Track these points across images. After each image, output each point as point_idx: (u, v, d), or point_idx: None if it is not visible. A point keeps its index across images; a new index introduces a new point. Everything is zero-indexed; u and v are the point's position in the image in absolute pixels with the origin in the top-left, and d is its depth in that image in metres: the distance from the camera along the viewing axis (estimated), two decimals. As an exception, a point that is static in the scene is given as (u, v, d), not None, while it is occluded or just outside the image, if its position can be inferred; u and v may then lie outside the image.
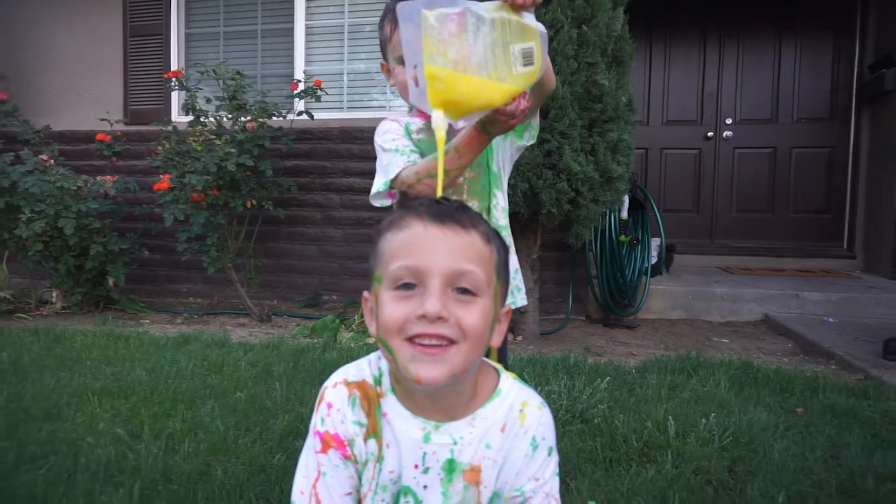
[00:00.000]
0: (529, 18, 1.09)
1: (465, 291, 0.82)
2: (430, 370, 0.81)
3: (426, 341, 0.81)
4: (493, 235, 0.89)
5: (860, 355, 3.11)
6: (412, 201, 0.91)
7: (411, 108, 1.57)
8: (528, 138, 1.50)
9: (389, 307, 0.83)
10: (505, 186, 1.54)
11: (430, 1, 1.03)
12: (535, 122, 1.49)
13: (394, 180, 1.40)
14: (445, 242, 0.83)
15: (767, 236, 5.66)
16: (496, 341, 0.90)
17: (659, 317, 4.33)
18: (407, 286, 0.82)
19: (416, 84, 1.08)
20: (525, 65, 1.08)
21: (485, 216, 1.40)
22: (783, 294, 4.21)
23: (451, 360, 0.81)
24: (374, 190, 1.47)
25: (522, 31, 1.07)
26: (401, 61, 1.47)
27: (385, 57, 1.53)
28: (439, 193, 1.10)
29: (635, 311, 4.24)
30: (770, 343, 3.66)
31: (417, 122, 1.51)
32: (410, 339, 0.82)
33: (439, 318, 0.80)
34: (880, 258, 5.03)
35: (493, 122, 1.19)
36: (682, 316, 4.32)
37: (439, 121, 1.06)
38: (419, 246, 0.83)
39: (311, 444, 0.94)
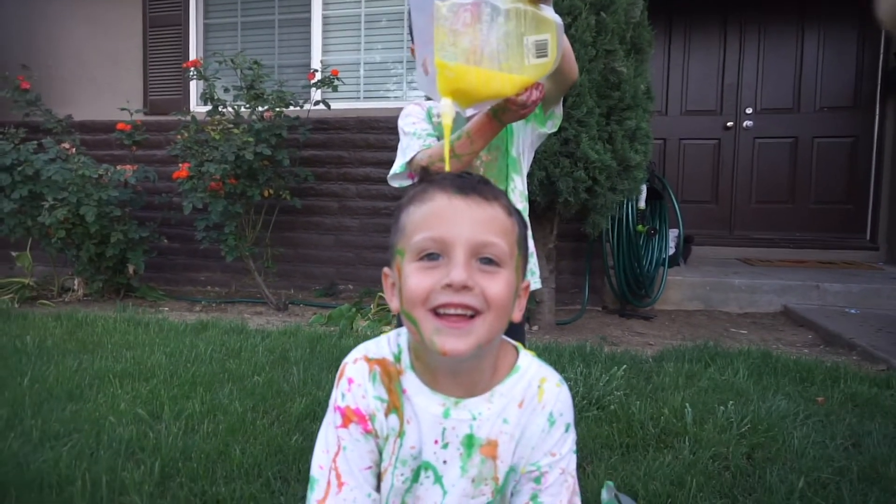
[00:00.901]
0: (547, 10, 1.09)
1: (489, 262, 0.83)
2: (455, 343, 0.81)
3: (451, 311, 0.81)
4: (513, 209, 0.90)
5: (883, 346, 3.06)
6: (434, 176, 0.92)
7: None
8: (551, 126, 1.51)
9: (414, 277, 0.83)
10: (524, 171, 1.55)
11: None
12: (559, 111, 1.50)
13: (409, 162, 1.43)
14: (469, 214, 0.83)
15: (788, 227, 5.57)
16: (517, 316, 0.90)
17: (676, 308, 4.29)
18: (431, 257, 0.83)
19: (426, 72, 1.10)
20: (538, 56, 1.08)
21: None
22: (803, 285, 4.15)
23: (476, 332, 0.82)
24: (392, 171, 1.49)
25: (538, 23, 1.07)
26: None
27: (414, 41, 1.54)
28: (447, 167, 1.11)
29: (652, 302, 4.20)
30: (790, 334, 3.61)
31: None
32: (435, 311, 0.82)
33: (464, 288, 0.80)
34: (904, 250, 4.95)
35: (505, 111, 1.22)
36: (699, 307, 4.29)
37: (447, 108, 1.08)
38: (443, 217, 0.83)
39: (331, 419, 0.94)
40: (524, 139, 1.54)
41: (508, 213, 0.88)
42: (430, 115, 1.54)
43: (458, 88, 1.06)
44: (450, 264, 0.81)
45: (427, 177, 0.95)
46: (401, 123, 1.54)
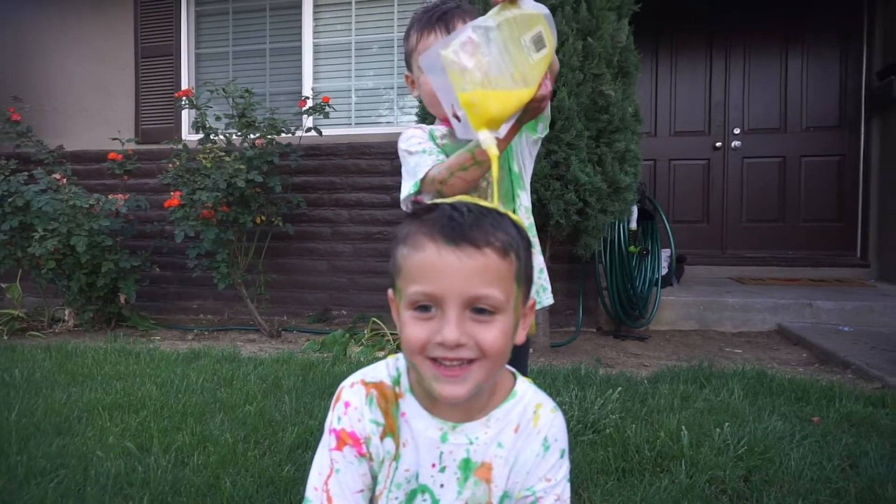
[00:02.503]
0: (528, 4, 1.11)
1: (483, 311, 0.83)
2: (452, 388, 0.83)
3: (447, 363, 0.83)
4: (510, 243, 0.85)
5: (877, 364, 3.06)
6: (425, 214, 0.87)
7: (424, 118, 1.58)
8: (542, 129, 1.49)
9: (410, 328, 0.84)
10: (528, 185, 1.54)
11: (444, 41, 1.07)
12: (547, 111, 1.45)
13: (423, 179, 1.39)
14: (460, 268, 0.81)
15: (779, 246, 5.61)
16: (521, 338, 0.91)
17: (670, 328, 4.29)
18: (425, 308, 0.83)
19: (459, 120, 1.11)
20: (538, 50, 1.11)
21: None
22: (796, 303, 4.16)
23: (473, 378, 0.84)
24: (404, 194, 1.46)
25: (527, 20, 1.09)
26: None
27: (410, 68, 1.53)
28: (496, 203, 1.08)
29: (646, 323, 4.20)
30: (784, 353, 3.61)
31: (441, 129, 1.51)
32: (433, 359, 0.83)
33: (458, 345, 0.81)
34: (895, 266, 4.97)
35: (525, 111, 1.21)
36: (693, 327, 4.28)
37: (489, 141, 1.08)
38: (434, 271, 0.82)
39: (326, 441, 0.95)
40: (521, 152, 1.52)
41: (503, 254, 0.83)
42: (433, 136, 1.51)
43: (489, 118, 1.08)
44: (443, 319, 0.82)
45: (419, 209, 0.93)
46: (404, 146, 1.49)
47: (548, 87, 1.17)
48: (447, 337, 0.80)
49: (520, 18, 1.08)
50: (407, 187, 1.45)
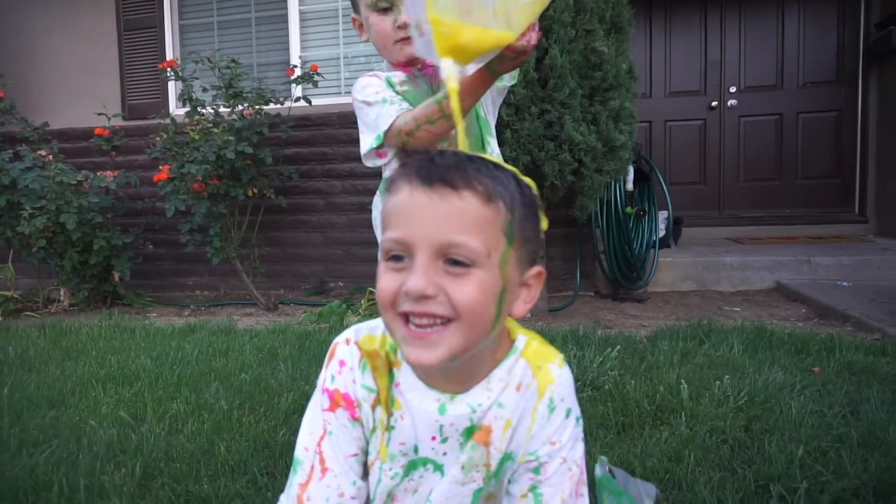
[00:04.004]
0: None
1: (456, 263, 0.73)
2: (421, 354, 0.75)
3: (417, 321, 0.75)
4: (497, 191, 0.75)
5: (877, 316, 3.04)
6: (408, 158, 0.80)
7: (390, 66, 1.52)
8: (509, 79, 1.41)
9: (382, 279, 0.77)
10: (494, 133, 1.49)
11: None
12: None
13: (388, 132, 1.33)
14: (431, 210, 0.73)
15: (776, 204, 5.56)
16: (519, 310, 0.81)
17: (669, 289, 4.26)
18: (397, 258, 0.76)
19: (421, 34, 0.98)
20: None
21: None
22: (794, 260, 4.13)
23: (447, 342, 0.74)
24: (364, 149, 1.40)
25: None
26: (374, 7, 1.42)
27: (356, 9, 1.47)
28: (462, 146, 0.95)
29: (644, 284, 4.18)
30: (783, 309, 3.59)
31: (399, 75, 1.45)
32: (405, 317, 0.76)
33: (424, 297, 0.73)
34: (894, 221, 4.94)
35: (502, 60, 1.11)
36: (692, 287, 4.26)
37: (450, 70, 0.95)
38: (405, 215, 0.75)
39: (318, 400, 0.89)
40: (486, 99, 1.47)
41: (486, 199, 0.74)
42: (390, 83, 1.44)
43: (456, 45, 0.95)
44: (412, 268, 0.74)
45: (404, 156, 0.86)
46: (360, 97, 1.41)
47: (532, 40, 1.06)
48: (411, 285, 0.72)
49: None
50: (368, 141, 1.37)
